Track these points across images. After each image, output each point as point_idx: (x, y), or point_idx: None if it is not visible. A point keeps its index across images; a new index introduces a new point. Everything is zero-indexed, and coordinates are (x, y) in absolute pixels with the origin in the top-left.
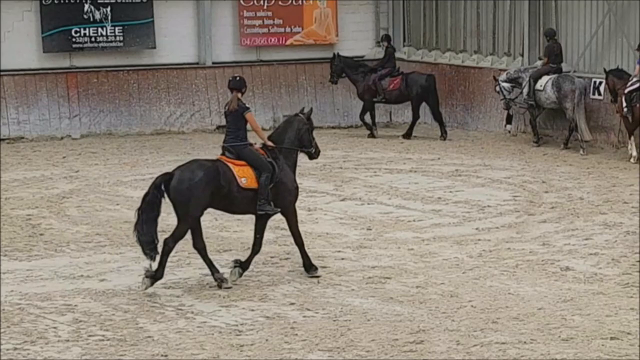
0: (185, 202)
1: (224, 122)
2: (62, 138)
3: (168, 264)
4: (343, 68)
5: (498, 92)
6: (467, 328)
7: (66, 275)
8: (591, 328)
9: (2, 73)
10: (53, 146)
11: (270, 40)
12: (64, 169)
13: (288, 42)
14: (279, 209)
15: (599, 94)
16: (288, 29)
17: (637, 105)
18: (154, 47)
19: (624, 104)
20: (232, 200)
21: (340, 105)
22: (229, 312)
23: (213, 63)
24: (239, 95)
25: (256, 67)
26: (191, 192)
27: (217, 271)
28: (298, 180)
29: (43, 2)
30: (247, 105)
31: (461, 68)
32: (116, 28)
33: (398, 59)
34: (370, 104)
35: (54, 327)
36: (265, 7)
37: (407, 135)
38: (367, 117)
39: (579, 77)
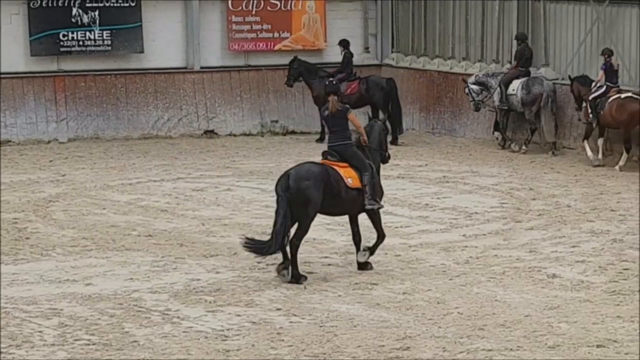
0: (305, 201)
1: (211, 127)
2: (49, 142)
3: (154, 267)
4: (301, 72)
5: (467, 94)
6: (453, 335)
7: (52, 279)
8: (577, 336)
9: None
10: (40, 150)
11: (259, 45)
12: (50, 172)
13: (276, 48)
14: (383, 205)
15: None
16: (276, 34)
17: (601, 111)
18: (142, 52)
19: (589, 111)
20: (338, 200)
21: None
22: (215, 317)
23: (201, 68)
24: (335, 97)
25: (244, 72)
26: (309, 192)
27: (293, 266)
28: None
29: (31, 5)
30: (347, 106)
31: (449, 75)
32: (104, 32)
33: (386, 65)
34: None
35: (40, 331)
36: (253, 12)
37: (393, 141)
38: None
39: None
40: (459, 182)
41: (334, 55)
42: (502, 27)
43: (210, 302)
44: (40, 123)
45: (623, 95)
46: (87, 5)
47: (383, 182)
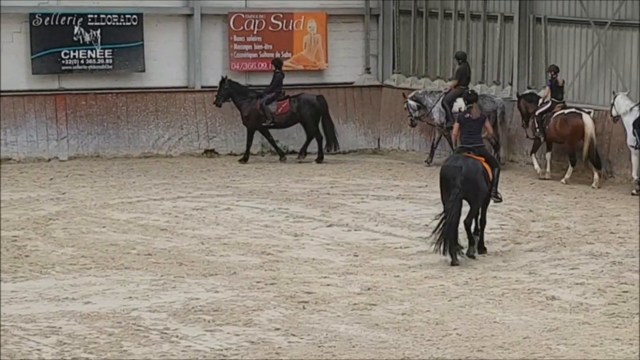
0: (476, 188)
1: (211, 146)
2: (49, 160)
3: (153, 286)
4: (231, 92)
5: (406, 109)
6: (452, 356)
7: (51, 297)
8: (576, 358)
9: None
10: (40, 168)
11: (260, 65)
12: (50, 190)
13: None
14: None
15: None
16: (278, 54)
17: (547, 126)
18: (143, 70)
19: (536, 126)
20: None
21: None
22: (214, 337)
23: (202, 87)
24: (477, 105)
25: None
26: (479, 180)
27: (473, 243)
28: (285, 206)
29: (33, 23)
30: (485, 114)
31: None
32: (106, 51)
33: (387, 86)
34: (259, 129)
35: (38, 349)
36: (255, 32)
37: (319, 159)
38: (280, 143)
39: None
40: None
41: (336, 75)
42: (503, 49)
43: (209, 322)
44: (41, 141)
45: (567, 111)
46: (89, 24)
47: (383, 203)
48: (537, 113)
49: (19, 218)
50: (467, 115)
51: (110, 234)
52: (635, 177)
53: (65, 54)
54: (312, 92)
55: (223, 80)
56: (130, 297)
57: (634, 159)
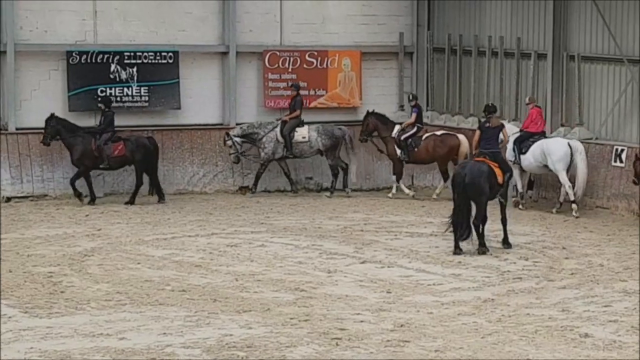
0: (479, 191)
1: (246, 183)
2: (85, 196)
3: (188, 322)
4: (59, 130)
5: (230, 147)
6: None
7: (86, 333)
8: None
9: (27, 131)
10: (76, 204)
11: None
12: (86, 227)
13: (312, 105)
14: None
15: (621, 161)
16: (312, 92)
17: (416, 149)
18: (179, 108)
19: (400, 150)
20: (491, 191)
21: (362, 167)
22: None
23: (237, 124)
24: (495, 115)
25: None
26: (481, 183)
27: (484, 245)
28: (319, 242)
29: (70, 61)
30: (503, 123)
31: None
32: (142, 88)
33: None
34: (87, 170)
35: None
36: (290, 69)
37: (131, 202)
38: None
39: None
40: (491, 240)
41: None
42: (536, 87)
43: (242, 358)
44: None
45: (439, 132)
46: (125, 61)
47: (416, 240)
48: (402, 138)
49: (55, 254)
50: (487, 124)
51: (145, 270)
52: (520, 190)
53: (102, 91)
54: (345, 127)
55: (50, 118)
56: (164, 333)
57: (515, 172)
